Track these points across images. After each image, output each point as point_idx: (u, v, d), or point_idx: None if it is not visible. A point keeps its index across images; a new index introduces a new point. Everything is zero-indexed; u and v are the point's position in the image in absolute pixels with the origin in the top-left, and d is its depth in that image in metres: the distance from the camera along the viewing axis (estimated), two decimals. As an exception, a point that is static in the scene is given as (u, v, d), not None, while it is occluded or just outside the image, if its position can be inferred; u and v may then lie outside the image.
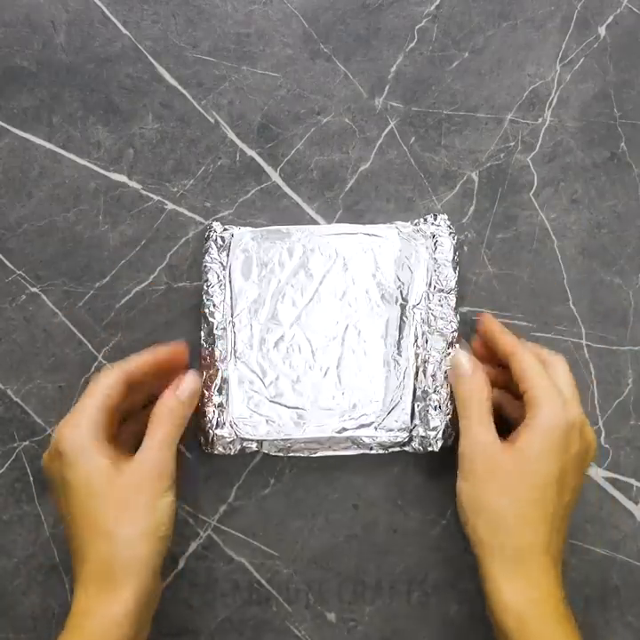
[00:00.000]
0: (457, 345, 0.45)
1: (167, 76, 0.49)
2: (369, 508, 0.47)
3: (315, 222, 0.49)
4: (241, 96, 0.49)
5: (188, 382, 0.42)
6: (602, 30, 0.49)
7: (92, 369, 0.48)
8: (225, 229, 0.47)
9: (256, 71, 0.49)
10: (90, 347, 0.48)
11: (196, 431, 0.45)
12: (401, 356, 0.45)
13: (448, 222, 0.47)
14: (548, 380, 0.40)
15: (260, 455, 0.47)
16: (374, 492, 0.47)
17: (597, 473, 0.48)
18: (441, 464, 0.47)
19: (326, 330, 0.46)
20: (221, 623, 0.47)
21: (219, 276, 0.46)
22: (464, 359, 0.43)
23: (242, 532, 0.47)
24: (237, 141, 0.49)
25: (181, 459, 0.44)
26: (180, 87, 0.49)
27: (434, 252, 0.46)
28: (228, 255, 0.47)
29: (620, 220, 0.49)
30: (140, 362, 0.42)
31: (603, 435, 0.48)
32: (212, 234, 0.47)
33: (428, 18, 0.49)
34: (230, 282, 0.46)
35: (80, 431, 0.39)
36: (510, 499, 0.38)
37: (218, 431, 0.45)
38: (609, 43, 0.49)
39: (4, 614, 0.47)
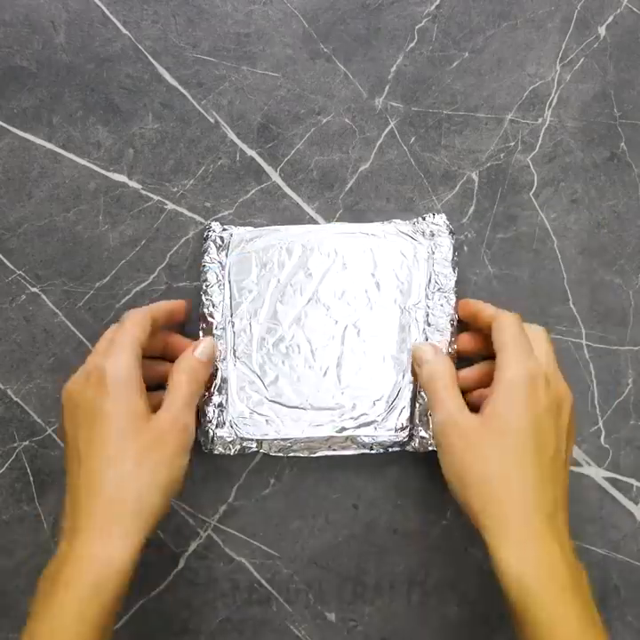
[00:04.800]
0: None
1: (167, 75, 0.49)
2: (369, 508, 0.47)
3: (315, 222, 0.49)
4: (241, 96, 0.49)
5: (205, 344, 0.43)
6: (602, 30, 0.49)
7: (92, 369, 0.48)
8: (224, 229, 0.47)
9: (256, 71, 0.49)
10: (90, 347, 0.48)
11: (195, 431, 0.45)
12: (401, 355, 0.45)
13: (447, 222, 0.47)
14: (520, 341, 0.40)
15: (260, 455, 0.47)
16: (374, 492, 0.47)
17: (597, 473, 0.48)
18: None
19: (326, 329, 0.46)
20: (221, 623, 0.47)
21: (218, 276, 0.46)
22: (424, 346, 0.43)
23: (242, 531, 0.47)
24: (237, 141, 0.49)
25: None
26: (180, 87, 0.49)
27: (433, 251, 0.46)
28: (226, 255, 0.47)
29: (619, 220, 0.49)
30: (161, 306, 0.44)
31: (603, 435, 0.48)
32: (211, 234, 0.47)
33: (428, 18, 0.49)
34: (229, 282, 0.46)
35: (124, 365, 0.39)
36: (489, 464, 0.38)
37: (218, 431, 0.45)
38: (609, 43, 0.49)
39: (4, 614, 0.47)
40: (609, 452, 0.48)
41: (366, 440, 0.45)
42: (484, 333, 0.44)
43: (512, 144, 0.49)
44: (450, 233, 0.47)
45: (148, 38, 0.49)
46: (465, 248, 0.49)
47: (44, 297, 0.48)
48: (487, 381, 0.42)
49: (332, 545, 0.47)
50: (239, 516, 0.47)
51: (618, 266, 0.49)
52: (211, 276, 0.46)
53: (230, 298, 0.46)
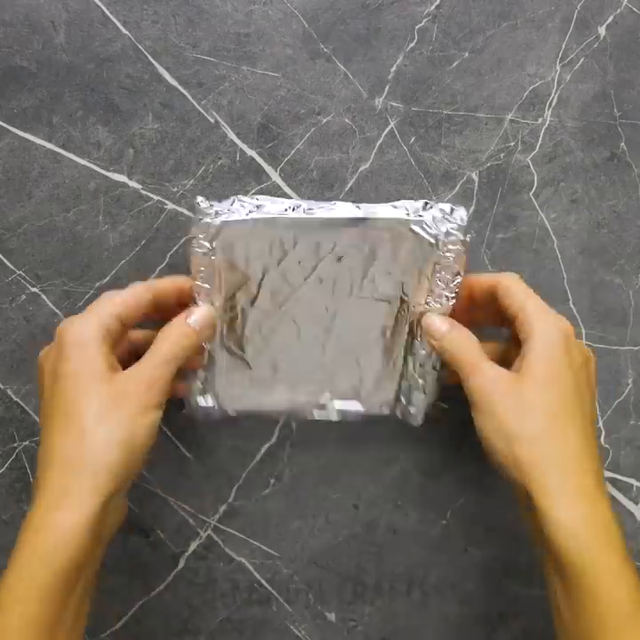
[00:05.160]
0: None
1: (167, 75, 0.49)
2: (369, 507, 0.47)
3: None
4: (241, 96, 0.49)
5: (201, 311, 0.42)
6: (602, 30, 0.49)
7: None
8: (216, 213, 0.44)
9: (256, 71, 0.49)
10: (90, 347, 0.48)
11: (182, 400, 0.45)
12: (393, 344, 0.45)
13: (464, 219, 0.43)
14: (535, 297, 0.41)
15: (260, 455, 0.47)
16: (374, 492, 0.47)
17: (597, 473, 0.48)
18: (441, 464, 0.47)
19: (315, 317, 0.45)
20: (221, 623, 0.47)
21: (206, 262, 0.44)
22: (437, 318, 0.43)
23: (242, 532, 0.47)
24: (237, 141, 0.49)
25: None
26: (180, 87, 0.49)
27: (438, 246, 0.44)
28: (215, 242, 0.44)
29: (619, 220, 0.49)
30: (165, 283, 0.42)
31: (603, 435, 0.48)
32: (199, 216, 0.44)
33: (428, 18, 0.49)
34: (220, 270, 0.44)
35: (84, 328, 0.38)
36: (538, 420, 0.38)
37: (201, 401, 0.44)
38: (609, 43, 0.49)
39: (4, 614, 0.47)
40: (609, 452, 0.48)
41: (351, 410, 0.45)
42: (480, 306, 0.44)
43: (512, 144, 0.49)
44: (462, 229, 0.44)
45: (147, 38, 0.49)
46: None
47: (43, 297, 0.48)
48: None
49: (331, 545, 0.47)
50: (239, 516, 0.47)
51: (618, 266, 0.49)
52: (199, 261, 0.43)
53: (219, 282, 0.44)
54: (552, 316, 0.40)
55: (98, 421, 0.36)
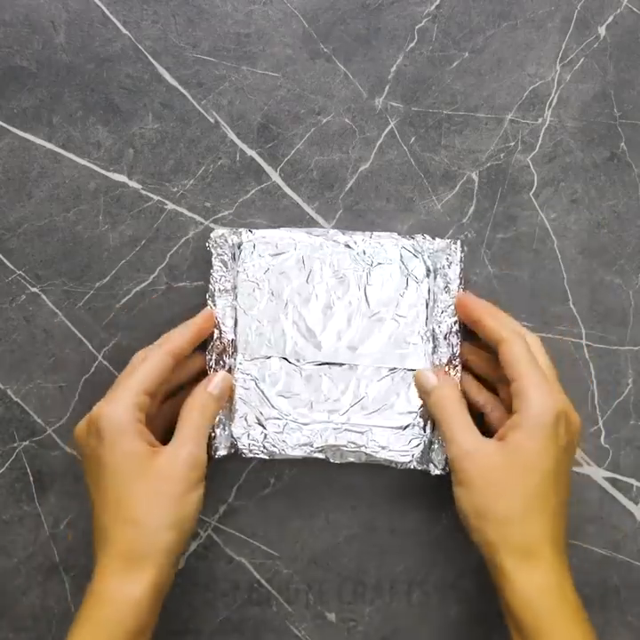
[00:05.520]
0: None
1: (167, 75, 0.49)
2: (369, 508, 0.47)
3: (315, 222, 0.49)
4: (241, 96, 0.49)
5: (219, 378, 0.43)
6: (602, 30, 0.49)
7: (92, 369, 0.48)
8: (230, 243, 0.47)
9: (256, 71, 0.49)
10: (90, 347, 0.48)
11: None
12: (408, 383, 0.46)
13: (461, 252, 0.46)
14: (537, 369, 0.40)
15: (259, 455, 0.47)
16: (374, 492, 0.47)
17: (597, 473, 0.48)
18: (441, 464, 0.47)
19: (335, 354, 0.46)
20: (221, 623, 0.47)
21: (227, 300, 0.46)
22: (427, 372, 0.44)
23: (242, 532, 0.47)
24: (237, 141, 0.49)
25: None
26: (180, 87, 0.49)
27: (441, 281, 0.46)
28: (235, 275, 0.46)
29: (619, 219, 0.49)
30: (183, 339, 0.43)
31: (603, 435, 0.48)
32: (216, 249, 0.46)
33: (428, 18, 0.49)
34: (238, 307, 0.46)
35: (122, 412, 0.39)
36: (512, 498, 0.39)
37: (217, 444, 0.45)
38: (609, 43, 0.49)
39: (3, 614, 0.47)
40: (609, 452, 0.48)
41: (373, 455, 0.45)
42: (486, 345, 0.44)
43: (512, 144, 0.49)
44: (460, 261, 0.46)
45: (147, 38, 0.49)
46: (465, 248, 0.49)
47: (43, 297, 0.48)
48: (493, 372, 0.44)
49: (331, 545, 0.47)
50: (239, 516, 0.47)
51: (618, 266, 0.49)
52: (222, 301, 0.46)
53: (234, 320, 0.46)
54: (547, 392, 0.39)
55: (149, 509, 0.38)
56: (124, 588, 0.37)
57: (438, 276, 0.46)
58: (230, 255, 0.46)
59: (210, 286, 0.46)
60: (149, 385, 0.40)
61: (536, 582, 0.38)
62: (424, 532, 0.47)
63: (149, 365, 0.41)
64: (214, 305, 0.45)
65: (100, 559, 0.38)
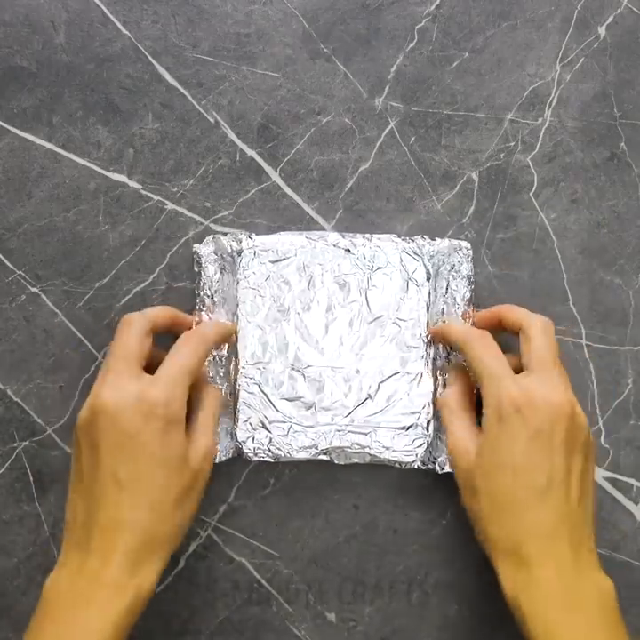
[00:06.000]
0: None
1: (167, 75, 0.49)
2: (369, 508, 0.47)
3: (315, 222, 0.49)
4: (241, 96, 0.49)
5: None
6: (602, 30, 0.49)
7: (92, 369, 0.48)
8: (229, 250, 0.47)
9: (256, 71, 0.49)
10: (90, 347, 0.48)
11: None
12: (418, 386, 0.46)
13: (469, 254, 0.47)
14: (493, 362, 0.40)
15: (260, 455, 0.47)
16: (374, 492, 0.47)
17: (597, 473, 0.48)
18: (441, 464, 0.47)
19: (337, 359, 0.46)
20: (221, 623, 0.47)
21: (226, 311, 0.46)
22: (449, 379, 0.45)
23: (242, 532, 0.47)
24: (237, 141, 0.49)
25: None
26: (180, 87, 0.49)
27: (449, 286, 0.46)
28: (236, 283, 0.46)
29: (619, 219, 0.49)
30: (161, 313, 0.43)
31: (603, 435, 0.48)
32: (209, 256, 0.46)
33: (428, 18, 0.49)
34: (240, 315, 0.46)
35: (180, 406, 0.39)
36: (483, 499, 0.39)
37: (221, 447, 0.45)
38: (609, 43, 0.49)
39: (4, 614, 0.47)
40: (609, 452, 0.48)
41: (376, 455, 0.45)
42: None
43: (512, 144, 0.49)
44: (469, 261, 0.46)
45: (147, 38, 0.49)
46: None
47: (43, 297, 0.48)
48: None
49: (331, 545, 0.47)
50: (239, 516, 0.47)
51: (618, 266, 0.49)
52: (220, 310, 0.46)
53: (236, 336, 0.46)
54: (498, 385, 0.39)
55: (177, 507, 0.38)
56: (142, 575, 0.37)
57: (454, 276, 0.46)
58: (219, 264, 0.46)
59: (201, 293, 0.46)
60: (194, 374, 0.40)
61: (513, 576, 0.38)
62: (424, 532, 0.47)
63: (195, 351, 0.40)
64: (211, 313, 0.45)
65: (116, 542, 0.37)
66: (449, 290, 0.45)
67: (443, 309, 0.45)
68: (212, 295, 0.45)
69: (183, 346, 0.40)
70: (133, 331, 0.40)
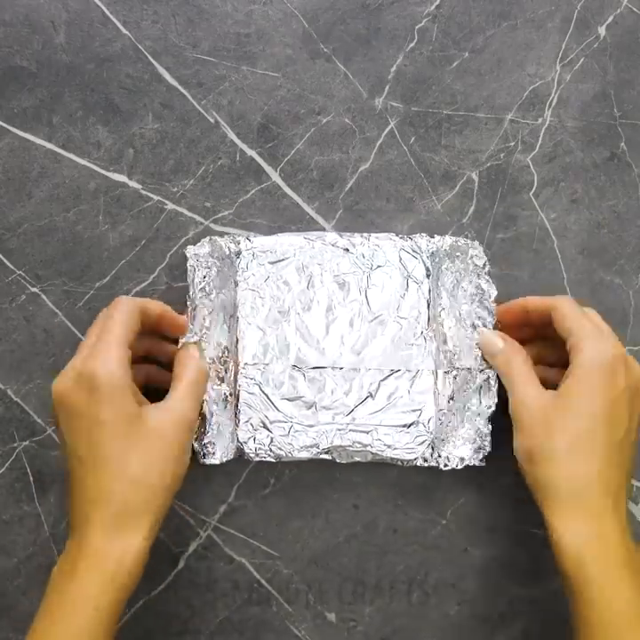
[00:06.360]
0: (482, 329, 0.45)
1: (167, 75, 0.49)
2: (369, 507, 0.47)
3: (315, 222, 0.49)
4: (241, 96, 0.49)
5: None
6: (602, 30, 0.49)
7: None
8: (226, 251, 0.47)
9: (256, 71, 0.49)
10: (90, 347, 0.48)
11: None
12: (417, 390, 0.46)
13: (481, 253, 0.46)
14: (588, 321, 0.41)
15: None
16: (374, 492, 0.47)
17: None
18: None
19: (338, 359, 0.46)
20: (221, 623, 0.47)
21: (225, 317, 0.46)
22: (491, 337, 0.44)
23: (242, 532, 0.47)
24: (237, 141, 0.49)
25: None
26: (180, 87, 0.49)
27: (459, 284, 0.46)
28: (235, 287, 0.46)
29: (619, 219, 0.49)
30: (154, 306, 0.42)
31: (603, 435, 0.48)
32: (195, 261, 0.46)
33: (428, 18, 0.49)
34: (240, 317, 0.46)
35: (116, 368, 0.38)
36: (557, 443, 0.39)
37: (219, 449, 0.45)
38: (609, 43, 0.49)
39: (4, 614, 0.47)
40: (609, 452, 0.48)
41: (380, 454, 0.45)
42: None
43: (512, 144, 0.49)
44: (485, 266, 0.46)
45: (147, 38, 0.49)
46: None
47: (43, 297, 0.48)
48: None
49: (331, 545, 0.47)
50: (239, 516, 0.47)
51: (618, 266, 0.49)
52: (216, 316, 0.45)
53: (236, 339, 0.46)
54: (598, 341, 0.40)
55: (147, 468, 0.38)
56: (121, 544, 0.37)
57: (479, 274, 0.46)
58: (216, 266, 0.46)
59: (191, 294, 0.45)
60: (130, 338, 0.40)
61: (579, 531, 0.38)
62: (424, 532, 0.47)
63: (127, 317, 0.40)
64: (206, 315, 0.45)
65: (90, 517, 0.37)
66: (477, 288, 0.46)
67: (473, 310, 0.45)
68: (209, 294, 0.45)
69: (114, 314, 0.40)
70: (121, 309, 0.41)
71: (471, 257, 0.46)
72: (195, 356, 0.42)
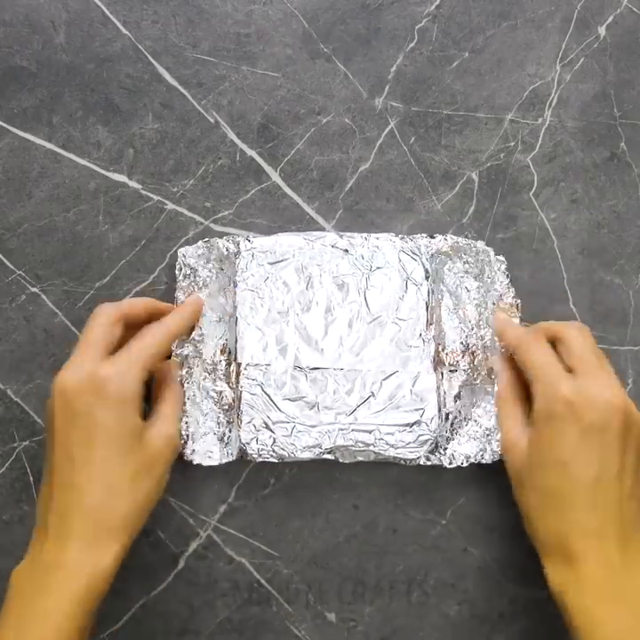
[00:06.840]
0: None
1: (167, 75, 0.49)
2: (369, 507, 0.47)
3: (315, 222, 0.49)
4: (241, 96, 0.49)
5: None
6: (602, 30, 0.49)
7: (92, 369, 0.48)
8: (224, 252, 0.47)
9: (256, 71, 0.49)
10: (90, 347, 0.48)
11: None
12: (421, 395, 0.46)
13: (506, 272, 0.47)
14: (544, 362, 0.41)
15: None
16: (374, 491, 0.47)
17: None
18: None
19: (337, 360, 0.46)
20: (221, 623, 0.47)
21: (222, 315, 0.46)
22: (494, 359, 0.45)
23: (242, 532, 0.47)
24: (237, 141, 0.49)
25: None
26: (180, 87, 0.49)
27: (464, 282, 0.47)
28: (234, 288, 0.46)
29: (619, 219, 0.49)
30: (134, 303, 0.43)
31: (603, 435, 0.48)
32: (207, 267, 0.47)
33: (428, 18, 0.49)
34: (239, 317, 0.46)
35: (133, 384, 0.39)
36: (531, 496, 0.40)
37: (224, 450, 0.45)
38: (609, 43, 0.49)
39: (4, 614, 0.47)
40: (609, 452, 0.48)
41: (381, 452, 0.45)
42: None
43: (512, 144, 0.49)
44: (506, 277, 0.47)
45: (147, 38, 0.49)
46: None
47: (43, 297, 0.48)
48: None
49: (331, 545, 0.47)
50: (239, 516, 0.47)
51: (618, 266, 0.49)
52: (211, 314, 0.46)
53: (235, 338, 0.46)
54: (548, 388, 0.40)
55: (135, 485, 0.39)
56: (94, 560, 0.37)
57: (499, 278, 0.47)
58: (214, 268, 0.47)
59: (180, 295, 0.46)
60: (154, 362, 0.41)
61: (557, 570, 0.38)
62: (424, 532, 0.47)
63: (156, 342, 0.41)
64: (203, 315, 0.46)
65: (72, 524, 0.37)
66: (497, 291, 0.47)
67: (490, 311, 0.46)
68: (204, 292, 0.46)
69: (145, 333, 0.42)
70: (101, 319, 0.41)
71: (488, 259, 0.47)
72: (175, 377, 0.44)
